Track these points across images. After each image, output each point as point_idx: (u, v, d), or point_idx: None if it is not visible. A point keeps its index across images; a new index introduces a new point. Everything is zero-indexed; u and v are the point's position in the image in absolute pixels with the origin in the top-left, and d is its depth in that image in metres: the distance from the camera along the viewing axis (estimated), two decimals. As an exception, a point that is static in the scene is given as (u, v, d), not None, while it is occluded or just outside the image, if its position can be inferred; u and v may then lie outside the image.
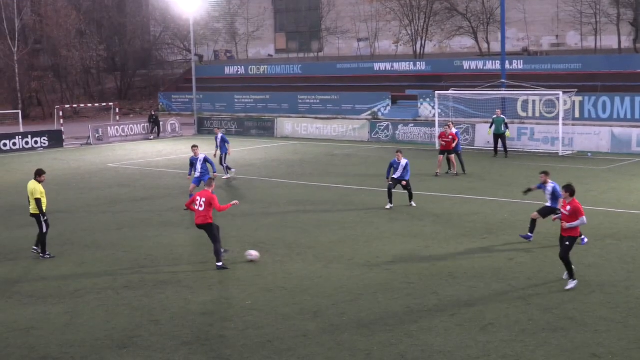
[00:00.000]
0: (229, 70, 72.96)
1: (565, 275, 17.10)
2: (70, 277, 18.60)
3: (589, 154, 39.74)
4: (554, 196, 20.61)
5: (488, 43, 67.75)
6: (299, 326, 14.75)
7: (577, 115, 45.92)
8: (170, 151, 45.69)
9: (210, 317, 15.40)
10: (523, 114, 47.60)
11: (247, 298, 16.55)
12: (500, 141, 39.53)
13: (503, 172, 34.35)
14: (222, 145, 34.29)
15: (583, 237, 20.50)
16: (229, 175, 33.92)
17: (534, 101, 47.34)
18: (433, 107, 49.66)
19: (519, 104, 47.57)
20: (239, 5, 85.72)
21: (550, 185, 20.80)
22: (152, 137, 53.62)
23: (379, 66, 62.79)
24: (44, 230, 20.30)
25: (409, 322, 14.84)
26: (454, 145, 33.34)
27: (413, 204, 26.47)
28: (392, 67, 61.86)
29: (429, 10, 69.53)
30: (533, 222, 21.07)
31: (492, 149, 39.85)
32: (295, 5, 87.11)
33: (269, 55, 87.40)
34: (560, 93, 42.03)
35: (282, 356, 13.32)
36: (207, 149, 45.89)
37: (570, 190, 16.91)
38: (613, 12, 62.92)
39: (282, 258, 19.93)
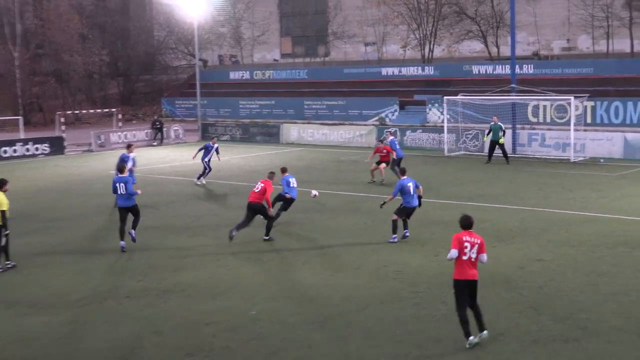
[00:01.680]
0: (234, 75, 72.99)
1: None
2: (71, 286, 18.57)
3: (602, 160, 39.67)
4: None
5: (498, 47, 67.68)
6: (305, 337, 14.69)
7: (589, 120, 45.80)
8: (174, 158, 45.72)
9: (214, 327, 15.35)
10: (534, 120, 47.49)
11: (252, 308, 16.50)
12: (498, 148, 39.53)
13: (513, 179, 34.27)
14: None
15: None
16: (203, 182, 34.44)
17: (544, 106, 47.23)
18: (442, 113, 49.61)
19: (530, 109, 47.47)
20: (244, 9, 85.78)
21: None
22: (155, 143, 53.68)
23: (387, 71, 62.75)
24: (2, 243, 20.04)
25: (417, 332, 14.78)
26: (389, 156, 33.89)
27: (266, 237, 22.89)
28: (400, 71, 61.81)
29: (438, 13, 69.47)
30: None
31: (500, 155, 39.69)
32: (302, 9, 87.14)
33: (274, 59, 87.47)
34: (572, 98, 41.94)
35: (288, 367, 13.27)
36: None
37: (460, 222, 14.31)
38: (625, 15, 62.76)
39: (288, 267, 19.89)
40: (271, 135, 54.11)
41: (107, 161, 44.63)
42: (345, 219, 25.79)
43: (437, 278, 18.38)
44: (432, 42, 70.25)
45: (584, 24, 65.71)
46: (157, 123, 55.15)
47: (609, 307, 15.99)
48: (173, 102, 72.69)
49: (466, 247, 13.89)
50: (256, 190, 22.49)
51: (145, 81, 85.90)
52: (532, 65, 54.97)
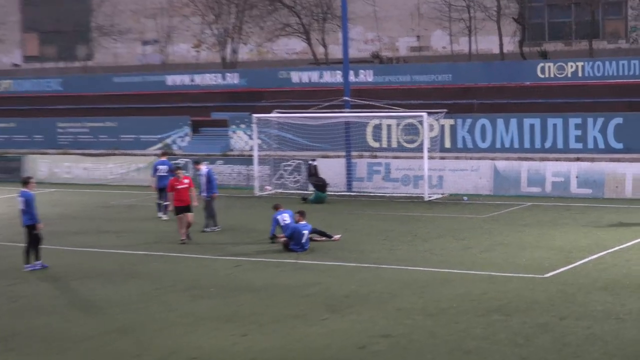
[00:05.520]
0: (-45, 87, 71.07)
1: None
2: None
3: (465, 198, 40.65)
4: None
5: (325, 47, 68.60)
6: None
7: (447, 144, 46.68)
8: None
9: None
10: (375, 144, 48.13)
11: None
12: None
13: (350, 226, 34.65)
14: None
15: None
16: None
17: (389, 126, 47.97)
18: (250, 137, 49.73)
19: (370, 130, 48.10)
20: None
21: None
22: None
23: (174, 79, 62.56)
24: None
25: None
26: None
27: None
28: (193, 80, 61.77)
29: (243, 1, 69.91)
30: None
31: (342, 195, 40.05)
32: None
33: (14, 64, 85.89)
34: (425, 114, 42.66)
35: None
36: None
37: None
38: (492, 4, 64.63)
39: (38, 358, 19.29)
40: (10, 172, 52.86)
41: None
42: (118, 288, 25.36)
43: (246, 366, 18.29)
44: (236, 40, 70.67)
45: (438, 16, 67.32)
46: None
47: (479, 397, 16.32)
48: None
49: None
50: None
51: None
52: (371, 71, 56.05)
